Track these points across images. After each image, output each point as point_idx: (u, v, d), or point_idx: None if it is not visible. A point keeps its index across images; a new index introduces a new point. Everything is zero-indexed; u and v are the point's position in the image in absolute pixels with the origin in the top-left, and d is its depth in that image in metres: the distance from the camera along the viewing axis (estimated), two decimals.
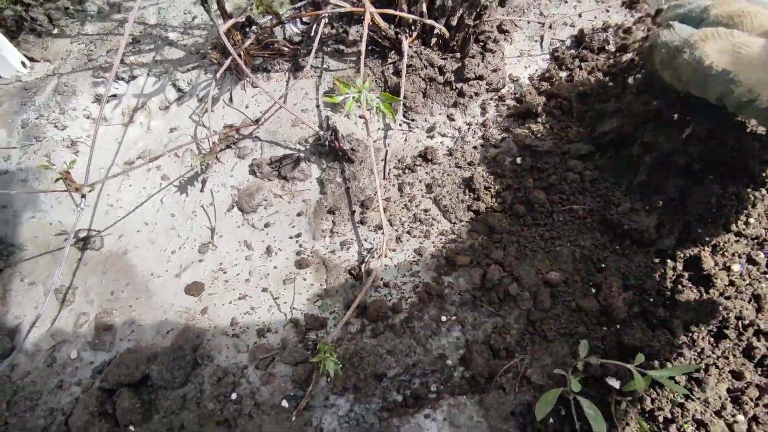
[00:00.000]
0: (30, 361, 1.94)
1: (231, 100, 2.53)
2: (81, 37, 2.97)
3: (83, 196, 1.96)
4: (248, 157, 2.27)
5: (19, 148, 2.58)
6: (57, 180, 1.84)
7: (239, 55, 2.50)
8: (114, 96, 2.78)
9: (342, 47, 2.46)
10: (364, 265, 1.88)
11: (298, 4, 2.41)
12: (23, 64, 2.89)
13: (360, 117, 2.27)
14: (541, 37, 2.39)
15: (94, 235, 2.22)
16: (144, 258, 2.17)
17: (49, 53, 2.96)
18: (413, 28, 2.25)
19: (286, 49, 2.52)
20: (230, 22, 2.08)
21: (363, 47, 1.86)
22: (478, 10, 2.10)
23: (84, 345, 1.95)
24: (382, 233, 1.82)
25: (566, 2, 2.50)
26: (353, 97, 1.72)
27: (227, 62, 2.17)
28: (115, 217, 2.29)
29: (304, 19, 2.65)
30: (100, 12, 3.06)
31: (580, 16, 2.44)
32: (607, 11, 2.44)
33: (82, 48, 2.92)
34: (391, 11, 2.05)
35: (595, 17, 2.43)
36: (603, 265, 1.76)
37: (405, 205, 2.01)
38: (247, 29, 2.66)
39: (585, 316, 1.69)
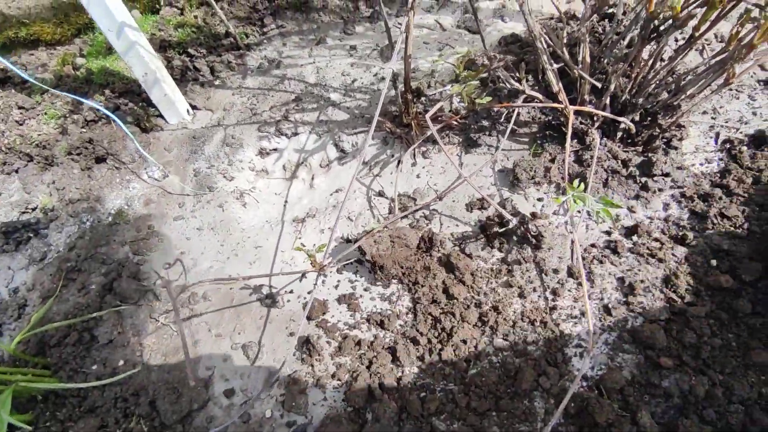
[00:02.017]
0: (226, 415, 2.02)
1: (399, 167, 2.63)
2: (242, 90, 3.16)
3: (324, 275, 2.06)
4: (429, 230, 2.36)
5: (193, 196, 2.73)
6: (305, 259, 1.94)
7: (409, 125, 2.64)
8: (275, 150, 2.92)
9: (514, 127, 2.55)
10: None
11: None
12: (188, 111, 3.08)
13: (538, 200, 2.33)
14: (717, 134, 2.43)
15: (276, 293, 2.31)
16: None
17: (210, 103, 3.15)
18: (596, 119, 2.32)
19: (456, 122, 2.63)
20: (436, 107, 2.19)
21: (567, 148, 1.93)
22: (674, 112, 2.16)
23: (276, 405, 2.02)
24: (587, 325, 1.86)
25: (738, 99, 2.55)
26: (574, 199, 1.79)
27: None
28: (291, 276, 2.38)
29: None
30: (260, 67, 3.25)
31: (754, 113, 2.48)
32: None
33: (245, 101, 3.09)
34: (589, 109, 2.13)
35: None
36: None
37: (596, 296, 2.04)
38: (415, 99, 2.79)
39: None
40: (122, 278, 2.34)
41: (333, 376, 2.05)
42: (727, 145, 2.39)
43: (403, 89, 2.46)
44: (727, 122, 2.45)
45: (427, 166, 2.59)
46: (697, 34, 2.01)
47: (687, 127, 2.43)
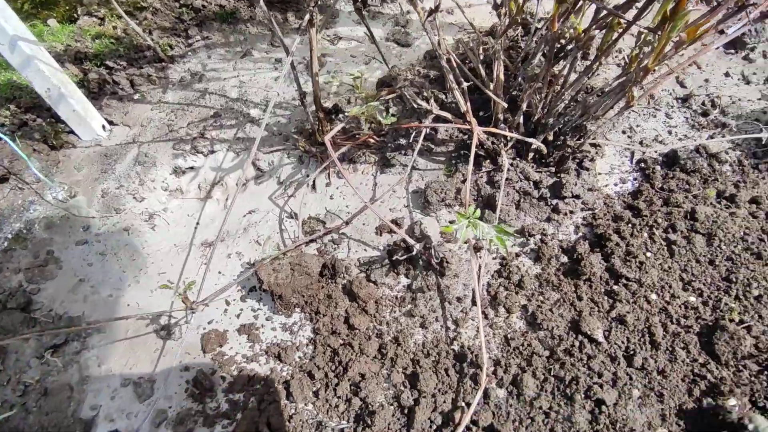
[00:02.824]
0: None
1: (314, 188, 2.53)
2: (162, 105, 3.02)
3: (193, 311, 1.94)
4: (328, 256, 2.25)
5: (98, 219, 2.59)
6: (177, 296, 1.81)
7: (324, 143, 2.53)
8: (191, 168, 2.79)
9: (431, 145, 2.47)
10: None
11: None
12: (103, 127, 2.93)
13: (450, 222, 2.25)
14: (632, 153, 2.38)
15: (173, 324, 2.19)
16: None
17: (128, 118, 3.01)
18: (509, 139, 2.25)
19: (372, 141, 2.54)
20: (336, 129, 2.09)
21: (469, 173, 1.85)
22: (581, 133, 2.10)
23: None
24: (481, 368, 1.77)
25: (655, 117, 2.51)
26: (466, 226, 1.71)
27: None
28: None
29: (391, 111, 2.68)
30: (182, 81, 3.12)
31: (670, 132, 2.44)
32: (698, 129, 2.44)
33: (163, 117, 2.96)
34: (494, 129, 2.06)
35: (686, 135, 2.43)
36: None
37: (500, 325, 1.96)
38: (333, 116, 2.69)
39: None
40: (6, 310, 2.19)
41: (224, 414, 1.93)
42: (642, 165, 2.34)
43: (314, 108, 2.37)
44: (641, 141, 2.40)
45: (341, 186, 2.49)
46: (600, 55, 1.96)
47: (603, 146, 2.37)
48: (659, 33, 1.67)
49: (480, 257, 2.10)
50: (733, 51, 2.74)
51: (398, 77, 2.69)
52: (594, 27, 1.87)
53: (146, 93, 3.10)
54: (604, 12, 1.76)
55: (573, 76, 2.04)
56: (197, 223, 2.61)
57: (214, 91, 3.04)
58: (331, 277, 2.15)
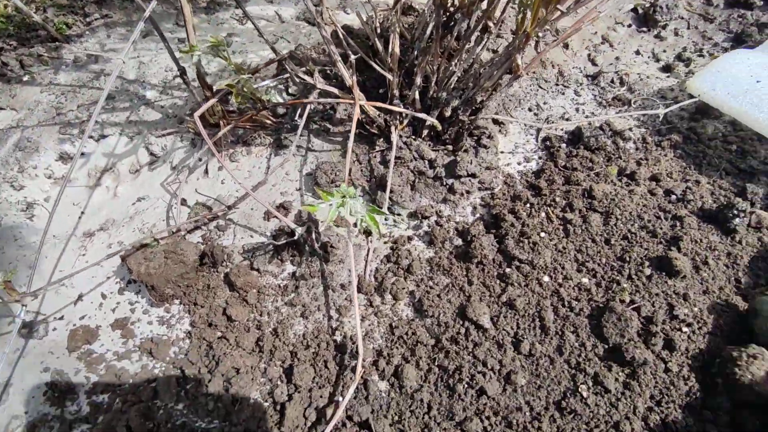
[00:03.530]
0: None
1: (206, 172, 2.36)
2: (52, 87, 2.79)
3: (24, 305, 1.74)
4: (214, 243, 2.09)
5: None
6: None
7: (217, 124, 2.37)
8: (82, 155, 2.58)
9: (328, 125, 2.33)
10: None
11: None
12: None
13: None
14: (538, 131, 2.29)
15: (39, 321, 1.99)
16: None
17: (16, 102, 2.77)
18: (404, 116, 2.13)
19: (269, 121, 2.38)
20: (209, 103, 1.93)
21: (349, 149, 1.71)
22: (474, 107, 1.99)
23: None
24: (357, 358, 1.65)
25: (563, 94, 2.43)
26: (337, 205, 1.57)
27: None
28: (67, 298, 2.07)
29: (291, 90, 2.53)
30: (76, 61, 2.90)
31: (577, 110, 2.36)
32: (605, 107, 2.37)
33: (52, 99, 2.73)
34: (381, 104, 1.93)
35: (593, 113, 2.36)
36: None
37: (385, 313, 1.84)
38: (229, 97, 2.52)
39: None
40: None
41: (85, 419, 1.75)
42: (546, 143, 2.25)
43: (200, 87, 2.19)
44: (548, 119, 2.32)
45: (234, 170, 2.33)
46: (490, 23, 1.84)
47: (506, 124, 2.28)
48: None
49: (371, 242, 1.97)
50: (645, 29, 2.68)
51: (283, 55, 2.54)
52: None
53: (36, 74, 2.86)
54: None
55: (465, 47, 1.92)
56: (82, 212, 2.41)
57: (110, 72, 2.82)
58: (212, 265, 1.99)
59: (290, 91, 2.50)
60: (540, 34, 1.93)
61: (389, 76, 2.00)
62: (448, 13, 2.04)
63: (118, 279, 2.11)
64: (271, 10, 3.09)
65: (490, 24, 1.86)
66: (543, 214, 1.99)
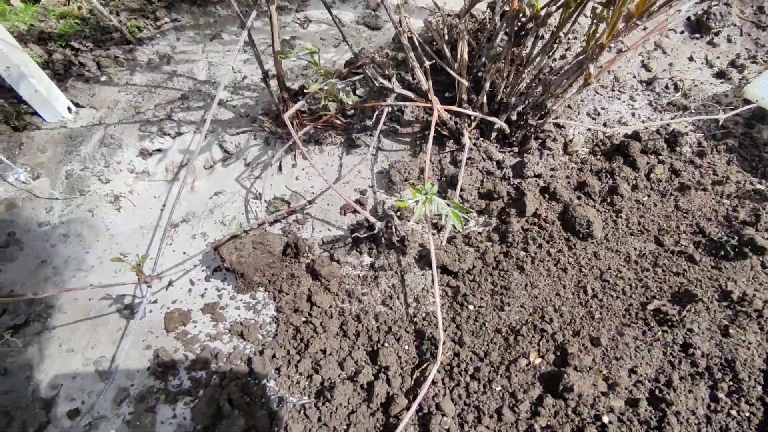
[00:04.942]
0: None
1: (280, 169, 2.53)
2: (129, 87, 2.98)
3: (149, 286, 1.92)
4: (292, 235, 2.25)
5: (62, 200, 2.56)
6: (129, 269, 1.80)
7: (291, 124, 2.53)
8: (159, 150, 2.77)
9: (397, 126, 2.47)
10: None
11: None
12: (69, 109, 2.88)
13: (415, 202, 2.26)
14: (594, 134, 2.41)
15: (137, 303, 2.18)
16: None
17: (95, 100, 2.96)
18: (473, 119, 2.26)
19: (339, 122, 2.54)
20: (297, 105, 2.09)
21: (429, 150, 1.86)
22: (542, 112, 2.12)
23: (122, 425, 1.89)
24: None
25: (620, 99, 2.54)
26: (422, 201, 1.72)
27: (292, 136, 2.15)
28: (159, 284, 2.25)
29: (358, 92, 2.68)
30: (150, 63, 3.08)
31: (633, 114, 2.47)
32: (660, 112, 2.47)
33: (130, 99, 2.92)
34: (456, 108, 2.07)
35: (648, 117, 2.47)
36: None
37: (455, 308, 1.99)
38: (300, 97, 2.68)
39: None
40: None
41: (186, 391, 1.93)
42: (600, 147, 2.37)
43: (278, 88, 2.35)
44: (605, 123, 2.43)
45: (307, 167, 2.49)
46: (561, 33, 1.97)
47: (567, 127, 2.40)
48: (612, 8, 1.69)
49: (443, 236, 2.12)
50: (698, 36, 2.78)
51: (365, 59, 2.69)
52: (551, 3, 1.89)
53: (113, 75, 3.05)
54: None
55: (536, 56, 2.05)
56: (163, 205, 2.59)
57: (182, 74, 3.01)
58: (295, 256, 2.16)
59: (357, 93, 2.65)
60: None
61: (461, 80, 2.13)
62: (519, 23, 2.17)
63: (204, 267, 2.28)
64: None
65: (561, 34, 1.97)
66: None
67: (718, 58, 2.66)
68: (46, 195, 2.58)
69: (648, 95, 2.55)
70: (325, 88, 2.05)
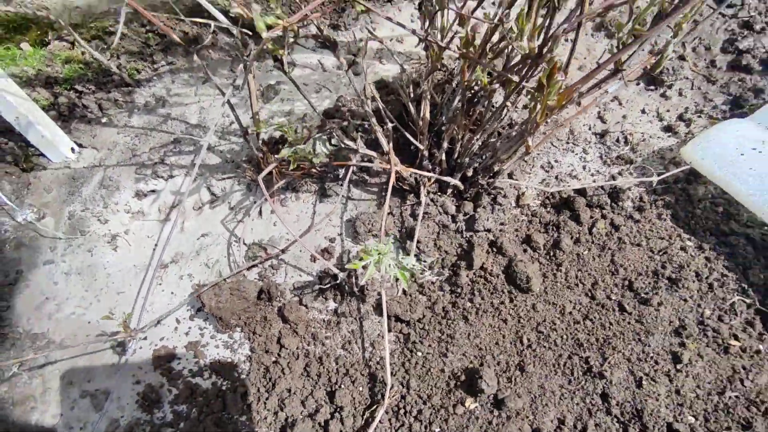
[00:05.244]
0: None
1: (260, 214, 2.77)
2: (127, 129, 3.24)
3: (132, 338, 2.19)
4: (267, 280, 2.50)
5: (65, 240, 2.83)
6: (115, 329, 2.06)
7: (270, 173, 2.77)
8: (153, 191, 3.03)
9: (366, 177, 2.71)
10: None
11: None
12: (72, 150, 3.15)
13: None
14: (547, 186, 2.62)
15: (129, 340, 2.45)
16: None
17: (96, 141, 3.23)
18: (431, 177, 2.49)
19: (315, 171, 2.77)
20: (270, 168, 2.33)
21: (384, 211, 2.09)
22: (491, 172, 2.34)
23: None
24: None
25: (573, 152, 2.75)
26: (373, 262, 1.95)
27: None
28: (149, 321, 2.52)
29: (333, 141, 2.91)
30: (146, 105, 3.34)
31: (584, 168, 2.67)
32: (609, 165, 2.67)
33: (128, 141, 3.18)
34: (412, 169, 2.29)
35: (598, 171, 2.67)
36: None
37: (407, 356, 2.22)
38: (281, 146, 2.92)
39: None
40: None
41: (169, 424, 2.20)
42: (550, 200, 2.58)
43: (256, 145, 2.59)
44: (557, 176, 2.64)
45: (284, 214, 2.73)
46: (507, 103, 2.18)
47: (520, 179, 2.61)
48: (542, 94, 1.90)
49: (400, 286, 2.35)
50: (653, 88, 2.96)
51: (342, 108, 2.92)
52: (495, 81, 2.10)
53: (113, 116, 3.32)
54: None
55: (486, 120, 2.27)
56: (155, 245, 2.85)
57: (175, 117, 3.26)
58: (268, 300, 2.41)
59: (333, 142, 2.88)
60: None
61: (420, 146, 2.36)
62: (472, 92, 2.38)
63: (189, 307, 2.55)
64: (315, 58, 3.46)
65: (508, 104, 2.18)
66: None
67: (668, 111, 2.84)
68: (50, 235, 2.86)
69: (600, 148, 2.74)
70: (292, 154, 2.29)
